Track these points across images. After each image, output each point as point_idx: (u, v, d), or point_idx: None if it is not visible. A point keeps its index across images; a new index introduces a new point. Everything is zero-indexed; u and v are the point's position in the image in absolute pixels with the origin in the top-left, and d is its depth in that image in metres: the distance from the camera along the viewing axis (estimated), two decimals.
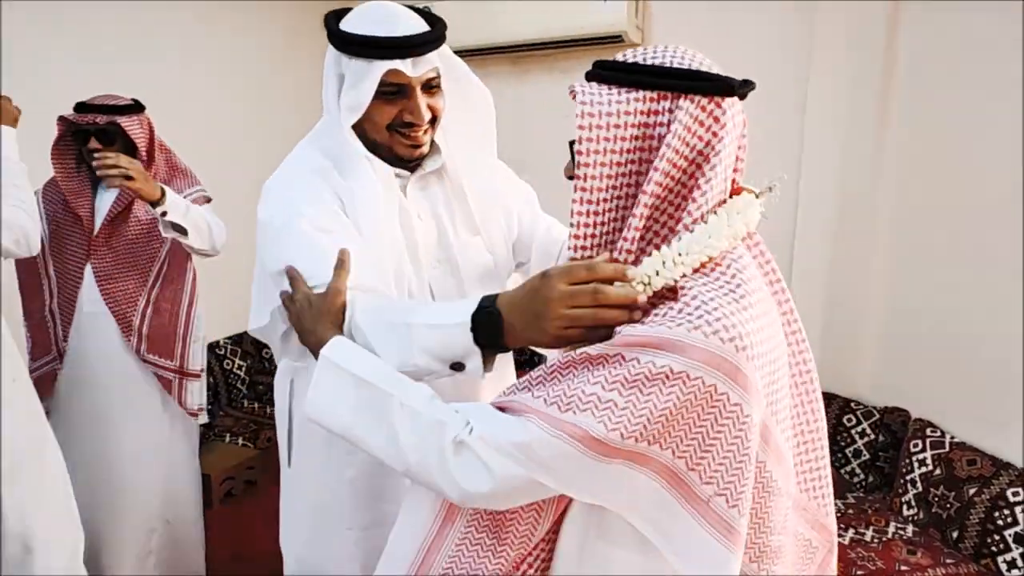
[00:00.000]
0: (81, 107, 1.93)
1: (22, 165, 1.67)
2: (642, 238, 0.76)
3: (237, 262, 3.81)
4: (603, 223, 0.77)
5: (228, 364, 3.67)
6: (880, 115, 2.74)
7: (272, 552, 2.58)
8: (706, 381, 0.67)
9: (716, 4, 3.06)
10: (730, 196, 0.80)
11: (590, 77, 0.78)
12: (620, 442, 0.68)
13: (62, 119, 1.94)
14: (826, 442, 0.86)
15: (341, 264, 0.97)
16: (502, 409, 0.76)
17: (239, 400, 3.70)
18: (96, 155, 1.82)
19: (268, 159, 4.11)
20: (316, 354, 0.89)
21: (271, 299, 1.10)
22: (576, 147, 0.75)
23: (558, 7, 3.29)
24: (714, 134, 0.74)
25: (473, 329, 0.82)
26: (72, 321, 2.03)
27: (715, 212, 0.76)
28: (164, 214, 1.89)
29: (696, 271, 0.75)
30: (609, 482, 0.71)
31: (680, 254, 0.74)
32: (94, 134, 1.92)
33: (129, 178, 1.79)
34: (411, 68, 1.07)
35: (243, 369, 3.74)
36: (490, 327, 0.81)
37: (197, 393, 2.19)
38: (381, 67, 1.04)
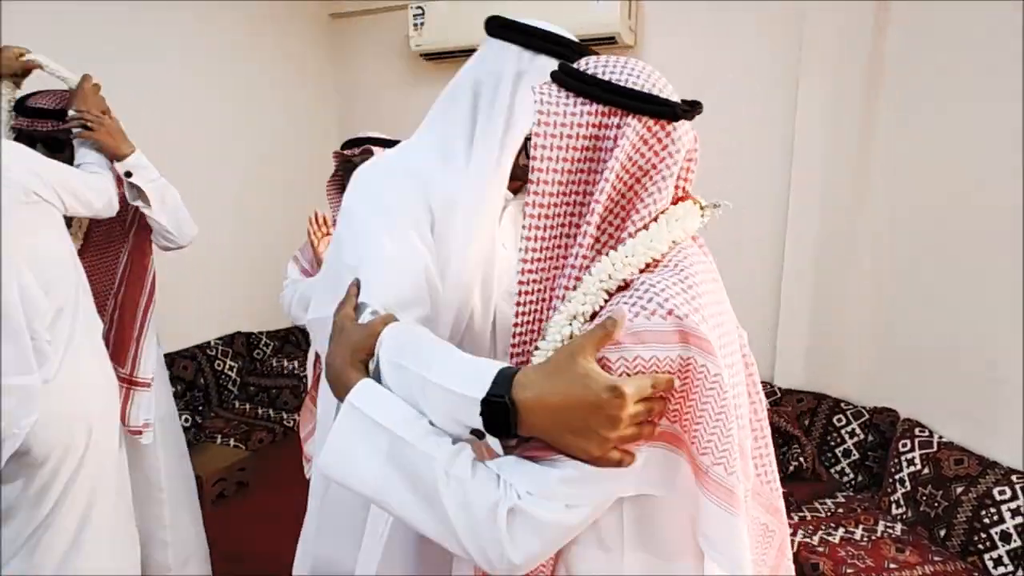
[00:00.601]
0: (22, 110, 1.79)
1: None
2: (595, 243, 0.79)
3: (227, 262, 3.82)
4: (553, 226, 0.80)
5: (219, 365, 3.66)
6: (868, 116, 2.77)
7: (264, 553, 2.59)
8: (683, 356, 0.70)
9: (708, 5, 3.08)
10: (674, 203, 0.82)
11: (554, 78, 0.81)
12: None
13: (16, 129, 1.80)
14: (769, 430, 0.88)
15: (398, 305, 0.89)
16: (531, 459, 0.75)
17: (230, 401, 3.69)
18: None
19: (257, 159, 4.10)
20: (335, 392, 0.81)
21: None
22: (531, 150, 0.78)
23: (551, 8, 3.30)
24: (656, 154, 0.78)
25: (484, 412, 0.71)
26: None
27: (656, 220, 0.80)
28: (129, 174, 1.78)
29: (642, 271, 0.79)
30: (654, 468, 0.75)
31: (627, 256, 0.77)
32: (40, 141, 1.79)
33: (87, 128, 1.69)
34: None
35: (234, 370, 3.73)
36: (500, 418, 0.71)
37: (144, 407, 1.96)
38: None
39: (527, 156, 0.78)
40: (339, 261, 1.03)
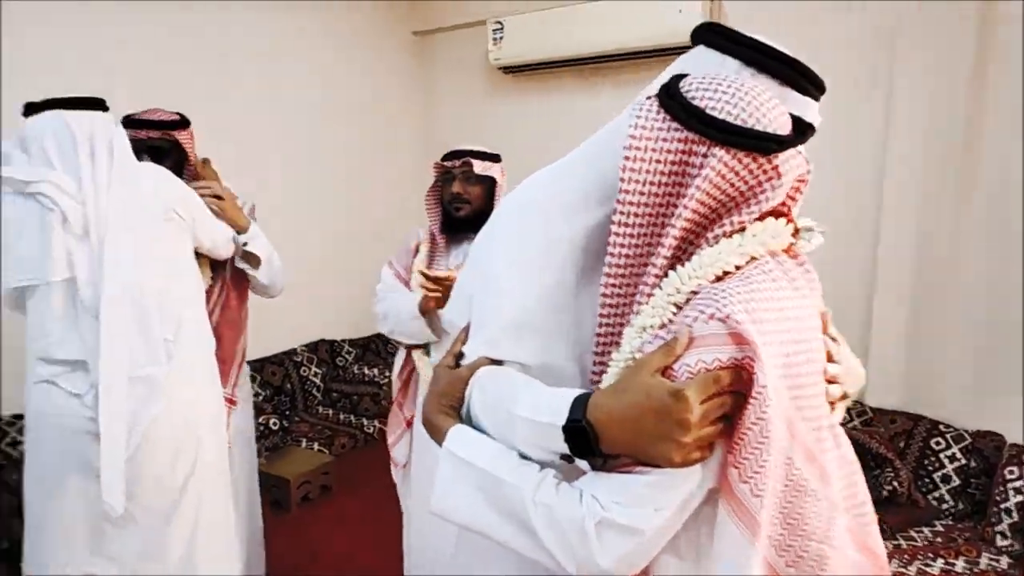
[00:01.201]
0: (131, 122, 1.97)
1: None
2: (670, 261, 0.80)
3: (315, 274, 3.98)
4: (637, 244, 0.81)
5: (304, 371, 3.81)
6: (971, 124, 2.61)
7: (346, 554, 2.67)
8: (736, 357, 0.71)
9: (794, 5, 2.98)
10: (760, 219, 0.80)
11: (657, 96, 0.81)
12: None
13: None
14: (858, 463, 0.85)
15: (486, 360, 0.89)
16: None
17: (314, 406, 3.83)
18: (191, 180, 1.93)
19: (343, 173, 4.22)
20: (430, 435, 0.88)
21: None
22: (620, 171, 0.79)
23: (633, 18, 3.29)
24: (745, 182, 0.77)
25: (567, 438, 0.76)
26: None
27: (731, 236, 0.79)
28: (245, 244, 1.97)
29: (713, 283, 0.78)
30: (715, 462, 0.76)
31: (695, 269, 0.78)
32: (146, 150, 1.99)
33: (219, 198, 1.90)
34: None
35: (318, 376, 3.88)
36: (582, 440, 0.75)
37: (246, 418, 2.24)
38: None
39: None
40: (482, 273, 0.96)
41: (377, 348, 4.32)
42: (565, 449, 0.76)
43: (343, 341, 4.14)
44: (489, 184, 1.97)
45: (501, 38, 3.76)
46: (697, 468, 0.73)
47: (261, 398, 3.44)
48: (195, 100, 2.62)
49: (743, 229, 0.79)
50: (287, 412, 3.63)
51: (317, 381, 3.87)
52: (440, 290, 1.80)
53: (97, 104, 1.67)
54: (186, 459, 1.73)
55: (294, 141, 3.82)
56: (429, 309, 1.88)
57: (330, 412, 3.79)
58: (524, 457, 0.80)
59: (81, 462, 1.59)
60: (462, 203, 1.94)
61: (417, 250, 2.04)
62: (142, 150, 1.97)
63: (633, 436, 0.73)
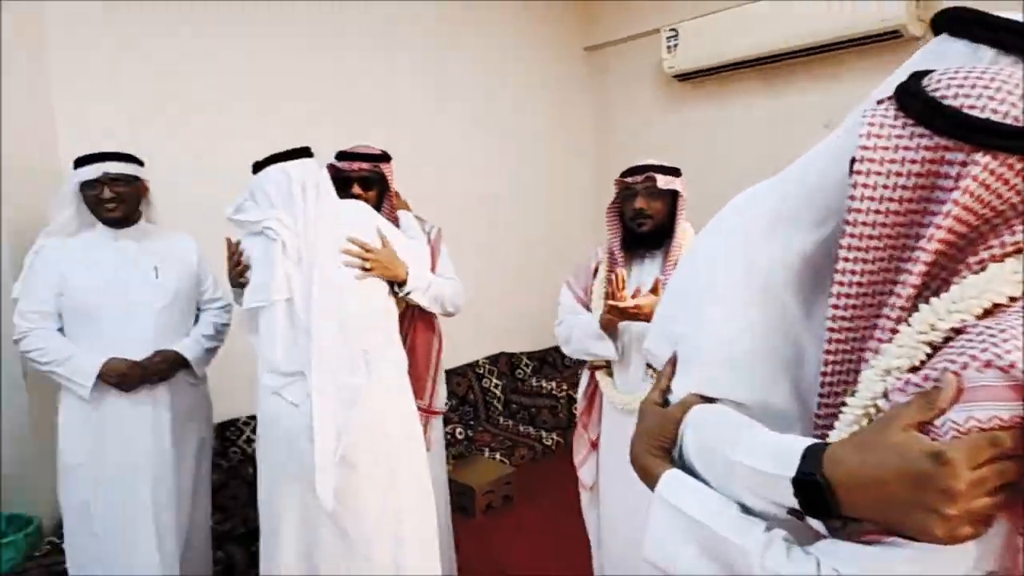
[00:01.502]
0: (343, 155, 2.21)
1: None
2: (917, 292, 0.67)
3: (494, 288, 4.13)
4: (872, 271, 0.70)
5: (486, 383, 3.97)
6: None
7: (528, 565, 2.73)
8: (1003, 418, 0.58)
9: None
10: None
11: (894, 98, 0.69)
12: None
13: (331, 167, 2.14)
14: None
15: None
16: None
17: (495, 417, 3.97)
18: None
19: (515, 190, 4.31)
20: (639, 476, 0.83)
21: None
22: (851, 188, 0.68)
23: (821, 8, 3.06)
24: (1017, 193, 0.63)
25: (798, 492, 0.66)
26: None
27: (1002, 260, 0.65)
28: (408, 293, 2.03)
29: (980, 318, 0.64)
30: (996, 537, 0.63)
31: (954, 302, 0.65)
32: (357, 180, 2.21)
33: (366, 270, 1.92)
34: None
35: (499, 388, 4.01)
36: (816, 497, 0.65)
37: (439, 429, 2.38)
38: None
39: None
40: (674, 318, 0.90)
41: (554, 361, 4.38)
42: (795, 504, 0.66)
43: (521, 354, 4.25)
44: (671, 198, 1.93)
45: (676, 45, 3.67)
46: (971, 547, 0.60)
47: (448, 407, 3.64)
48: (374, 125, 2.85)
49: (1019, 251, 0.65)
50: (471, 422, 3.80)
51: (498, 392, 4.01)
52: (629, 316, 1.80)
53: (305, 152, 1.92)
54: (387, 465, 1.86)
55: (466, 157, 3.99)
56: (610, 328, 1.87)
57: (510, 423, 3.90)
58: (745, 509, 0.72)
59: (302, 466, 1.77)
60: (645, 219, 1.91)
61: (596, 270, 2.03)
62: (353, 180, 2.20)
63: (882, 502, 0.61)
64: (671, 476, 0.77)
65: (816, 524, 0.68)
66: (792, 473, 0.65)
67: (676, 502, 0.75)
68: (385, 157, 2.26)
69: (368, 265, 1.91)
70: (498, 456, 3.46)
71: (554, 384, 3.95)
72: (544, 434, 3.72)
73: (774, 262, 0.79)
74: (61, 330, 2.08)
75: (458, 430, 3.44)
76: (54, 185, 2.27)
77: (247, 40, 3.07)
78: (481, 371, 3.99)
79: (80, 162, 2.08)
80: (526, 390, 4.03)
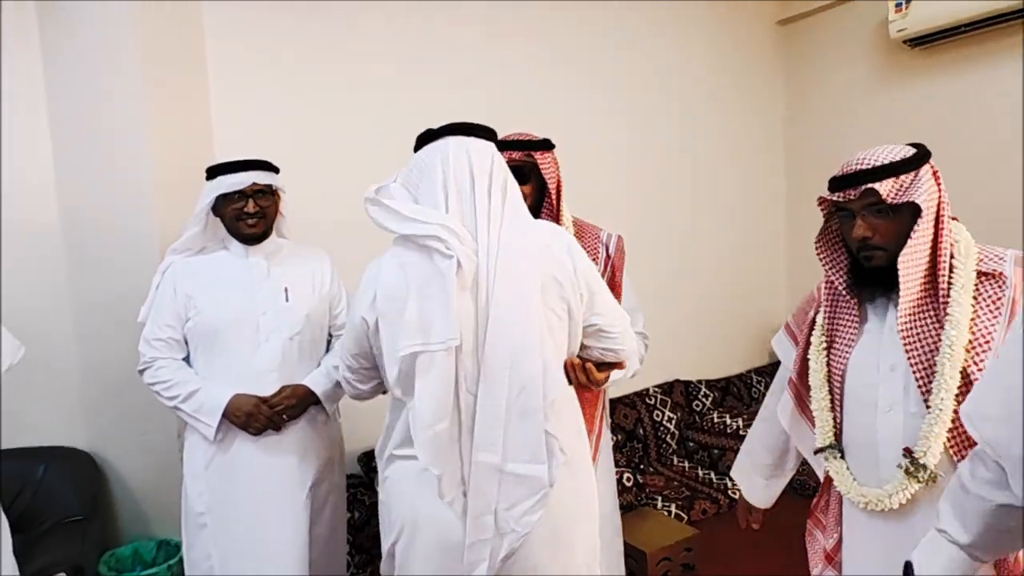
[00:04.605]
0: (496, 144, 1.78)
1: None
2: None
3: (666, 307, 3.59)
4: None
5: (657, 416, 3.42)
6: None
7: None
8: None
9: None
10: None
11: None
12: None
13: None
14: None
15: None
16: None
17: (668, 456, 3.41)
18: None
19: (705, 192, 3.72)
20: None
21: None
22: None
23: None
24: None
25: None
26: None
27: None
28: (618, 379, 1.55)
29: None
30: None
31: None
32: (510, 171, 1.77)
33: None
34: None
35: (672, 422, 3.45)
36: None
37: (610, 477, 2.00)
38: None
39: None
40: None
41: (738, 392, 3.73)
42: None
43: (699, 382, 3.64)
44: (910, 213, 1.20)
45: (907, 1, 2.90)
46: None
47: (612, 444, 3.14)
48: (542, 122, 2.43)
49: None
50: (640, 464, 3.27)
51: (671, 427, 3.44)
52: None
53: (489, 133, 1.42)
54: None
55: (637, 158, 3.49)
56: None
57: (686, 465, 3.32)
58: None
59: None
60: (874, 249, 1.23)
61: (815, 318, 1.41)
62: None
63: None
64: None
65: None
66: None
67: None
68: (541, 144, 1.80)
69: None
70: (674, 509, 2.90)
71: (740, 422, 3.30)
72: (730, 484, 3.09)
73: None
74: (187, 358, 1.89)
75: (626, 475, 2.93)
76: None
77: (402, 41, 2.81)
78: (652, 401, 3.44)
79: (218, 171, 1.85)
80: (705, 426, 3.42)
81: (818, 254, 1.35)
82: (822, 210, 1.34)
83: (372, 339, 1.35)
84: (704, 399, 3.60)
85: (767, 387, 3.93)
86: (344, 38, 2.70)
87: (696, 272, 3.69)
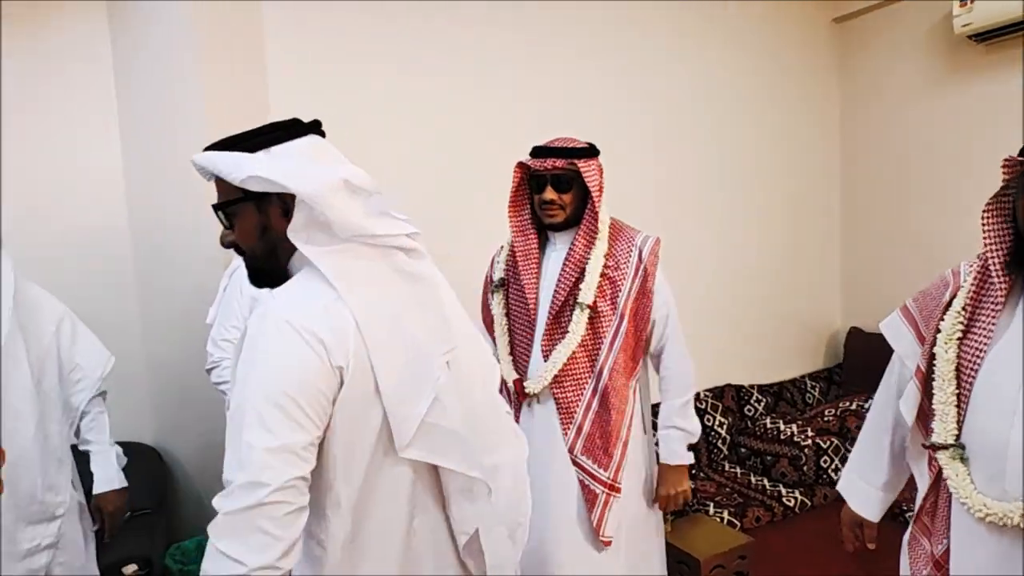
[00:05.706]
0: (538, 151, 1.79)
1: None
2: None
3: (716, 310, 3.54)
4: None
5: (708, 420, 3.37)
6: None
7: None
8: None
9: None
10: None
11: None
12: None
13: (521, 165, 1.81)
14: None
15: None
16: None
17: (719, 462, 3.36)
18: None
19: (759, 197, 3.64)
20: None
21: None
22: None
23: None
24: None
25: None
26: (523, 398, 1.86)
27: None
28: None
29: None
30: None
31: None
32: (551, 180, 1.76)
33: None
34: None
35: (724, 427, 3.39)
36: None
37: (613, 519, 1.79)
38: None
39: None
40: None
41: (792, 398, 3.66)
42: None
43: (751, 387, 3.58)
44: None
45: None
46: None
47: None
48: (597, 127, 2.42)
49: None
50: (691, 468, 3.22)
51: (723, 432, 3.39)
52: None
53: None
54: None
55: (687, 158, 3.45)
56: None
57: (738, 471, 3.27)
58: None
59: None
60: None
61: (950, 301, 1.26)
62: (547, 180, 1.77)
63: None
64: None
65: None
66: None
67: None
68: (584, 152, 1.77)
69: None
70: (726, 515, 2.86)
71: (794, 428, 3.23)
72: (784, 491, 3.03)
73: None
74: None
75: None
76: None
77: (463, 47, 2.81)
78: (703, 405, 3.39)
79: None
80: (758, 432, 3.35)
81: (983, 223, 1.20)
82: (1005, 174, 1.19)
83: None
84: (756, 404, 3.53)
85: (822, 392, 3.86)
86: (396, 39, 2.68)
87: (749, 275, 3.63)
